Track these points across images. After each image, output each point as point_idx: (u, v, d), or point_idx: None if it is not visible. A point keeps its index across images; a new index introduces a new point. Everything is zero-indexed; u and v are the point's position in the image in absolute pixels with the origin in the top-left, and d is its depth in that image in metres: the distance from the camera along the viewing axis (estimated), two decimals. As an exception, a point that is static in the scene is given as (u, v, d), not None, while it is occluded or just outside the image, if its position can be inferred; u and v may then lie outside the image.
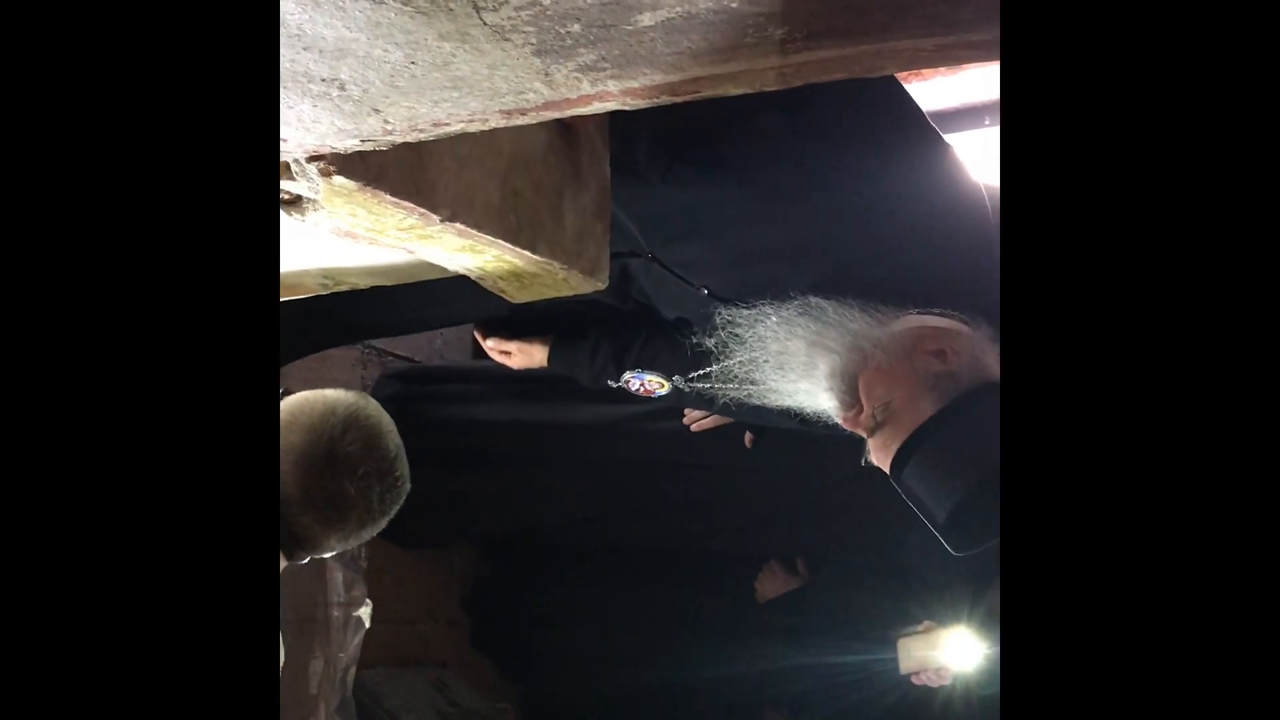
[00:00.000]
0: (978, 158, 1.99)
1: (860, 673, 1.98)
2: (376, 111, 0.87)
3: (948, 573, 1.98)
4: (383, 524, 1.34)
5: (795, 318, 1.46)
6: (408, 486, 1.37)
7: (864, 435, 1.43)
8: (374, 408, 1.37)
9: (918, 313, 1.42)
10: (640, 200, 1.57)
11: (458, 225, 1.15)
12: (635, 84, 0.80)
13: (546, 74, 0.80)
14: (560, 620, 2.44)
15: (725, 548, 2.30)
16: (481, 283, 1.40)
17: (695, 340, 1.61)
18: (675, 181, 1.51)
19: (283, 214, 1.05)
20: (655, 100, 0.83)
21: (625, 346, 1.82)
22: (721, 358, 1.56)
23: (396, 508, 1.36)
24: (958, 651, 1.90)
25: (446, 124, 0.89)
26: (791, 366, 1.48)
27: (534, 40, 0.76)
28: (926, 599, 1.99)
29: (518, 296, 1.42)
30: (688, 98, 0.82)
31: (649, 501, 2.20)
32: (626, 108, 0.85)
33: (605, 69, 0.79)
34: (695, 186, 1.52)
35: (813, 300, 1.45)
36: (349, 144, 0.94)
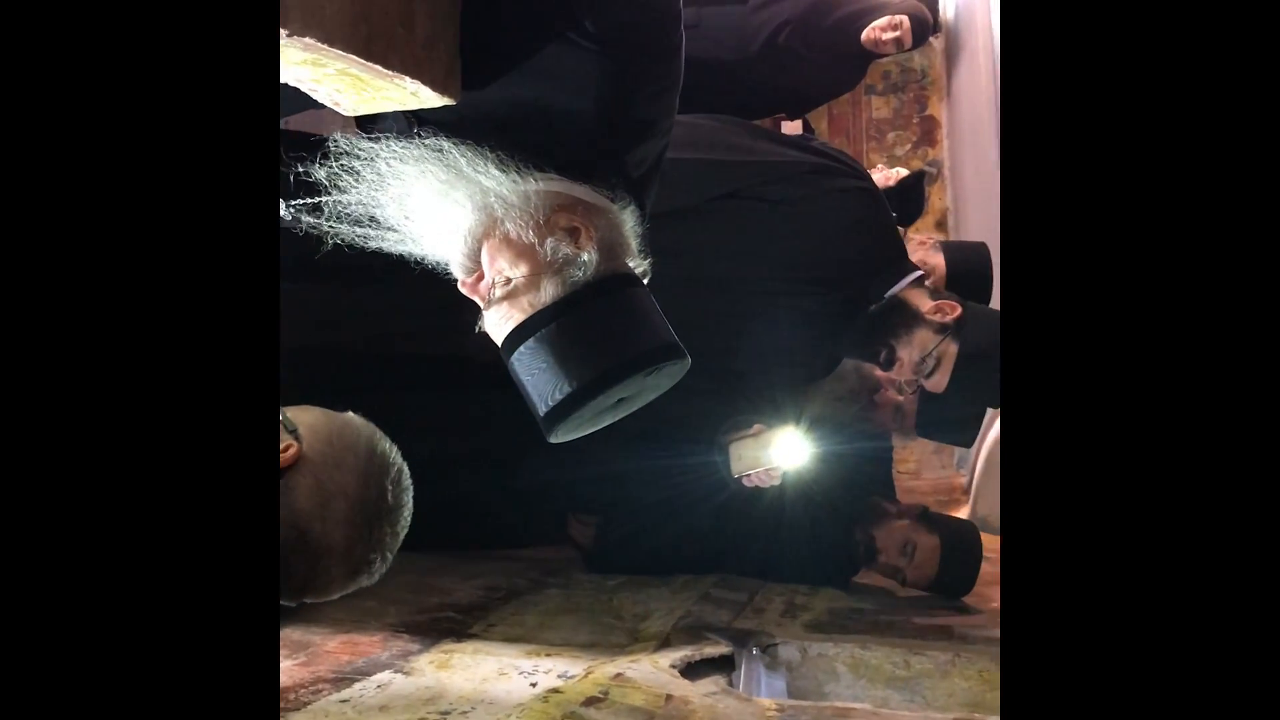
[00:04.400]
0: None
1: (690, 475, 2.05)
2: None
3: (776, 377, 2.05)
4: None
5: (424, 159, 1.28)
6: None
7: (479, 303, 1.31)
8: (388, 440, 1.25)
9: (562, 178, 1.28)
10: None
11: (305, 39, 0.99)
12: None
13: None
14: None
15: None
16: (314, 95, 1.23)
17: (298, 166, 1.36)
18: None
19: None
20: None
21: None
22: (333, 192, 1.35)
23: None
24: (787, 451, 1.97)
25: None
26: (415, 211, 1.32)
27: None
28: (757, 403, 2.05)
29: (356, 109, 1.27)
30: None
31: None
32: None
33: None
34: None
35: (446, 146, 1.28)
36: (198, -47, 0.77)
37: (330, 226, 1.41)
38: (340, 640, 1.80)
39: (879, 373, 2.13)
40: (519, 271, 1.26)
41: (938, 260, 2.24)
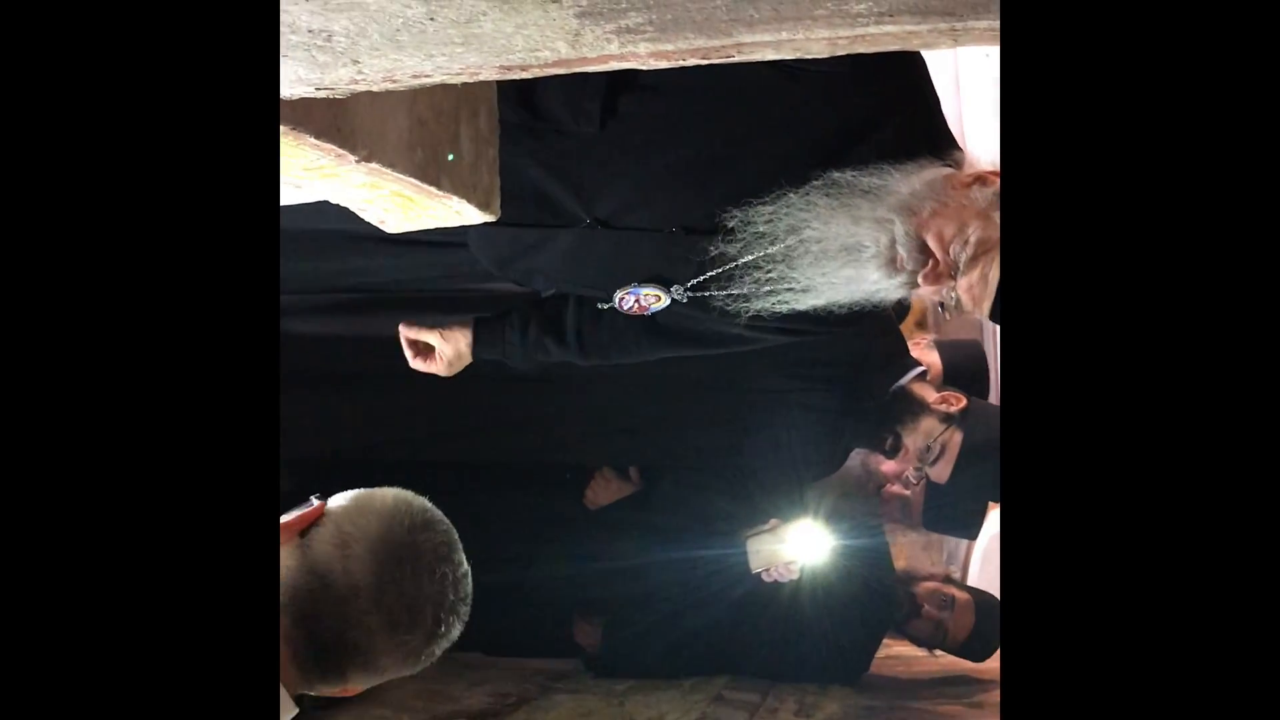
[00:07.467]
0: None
1: (705, 572, 2.05)
2: (355, 63, 0.76)
3: (789, 472, 2.08)
4: (436, 655, 1.10)
5: (822, 200, 1.37)
6: (465, 619, 1.13)
7: (947, 284, 1.36)
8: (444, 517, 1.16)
9: (931, 161, 1.39)
10: (572, 156, 1.44)
11: (372, 164, 1.04)
12: (670, 47, 0.74)
13: (577, 35, 0.72)
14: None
15: (563, 459, 2.26)
16: (362, 214, 1.28)
17: (713, 250, 1.44)
18: (617, 115, 1.41)
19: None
20: (679, 62, 0.77)
21: (557, 312, 1.68)
22: (744, 256, 1.42)
23: (451, 641, 1.11)
24: (804, 545, 2.00)
25: (429, 75, 0.80)
26: (830, 254, 1.38)
27: (584, 2, 0.68)
28: (774, 497, 2.08)
29: (401, 227, 1.32)
30: (717, 60, 0.77)
31: (485, 417, 2.12)
32: (643, 67, 0.78)
33: (646, 32, 0.72)
34: (639, 112, 1.40)
35: (835, 176, 1.37)
36: (298, 92, 0.82)
37: (742, 300, 1.47)
38: (359, 751, 1.78)
39: (884, 466, 2.17)
40: (973, 229, 1.32)
41: (934, 358, 2.30)
